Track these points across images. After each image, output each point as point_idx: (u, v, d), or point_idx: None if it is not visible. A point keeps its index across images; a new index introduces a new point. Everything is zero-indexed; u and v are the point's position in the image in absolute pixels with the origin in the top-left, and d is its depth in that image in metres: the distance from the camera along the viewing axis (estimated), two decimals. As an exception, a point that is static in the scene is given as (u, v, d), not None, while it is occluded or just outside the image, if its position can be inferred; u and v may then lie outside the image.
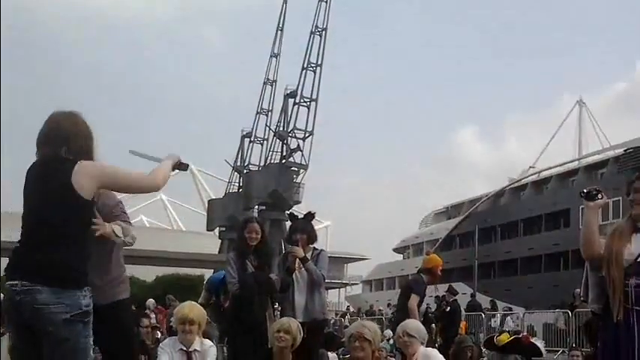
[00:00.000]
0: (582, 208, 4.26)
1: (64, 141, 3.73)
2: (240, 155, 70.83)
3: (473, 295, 24.75)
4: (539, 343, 9.11)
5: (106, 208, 4.09)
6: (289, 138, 63.52)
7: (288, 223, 7.80)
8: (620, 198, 23.92)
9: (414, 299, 8.64)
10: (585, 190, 4.22)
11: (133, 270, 37.27)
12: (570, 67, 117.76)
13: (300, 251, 6.87)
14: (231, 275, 6.79)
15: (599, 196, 4.17)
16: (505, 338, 8.75)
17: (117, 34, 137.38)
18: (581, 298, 18.20)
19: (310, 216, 7.29)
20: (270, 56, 68.08)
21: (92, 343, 3.79)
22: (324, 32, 62.41)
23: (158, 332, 11.16)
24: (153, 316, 18.57)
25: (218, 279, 8.57)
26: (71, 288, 3.61)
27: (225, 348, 6.37)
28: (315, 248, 7.12)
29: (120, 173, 3.81)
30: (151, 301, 19.36)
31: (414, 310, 8.51)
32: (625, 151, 45.30)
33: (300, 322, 6.28)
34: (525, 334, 11.51)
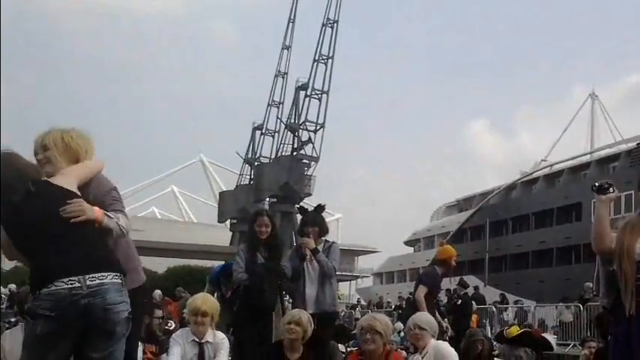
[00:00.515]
0: (594, 202, 4.24)
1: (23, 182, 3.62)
2: (251, 147, 70.99)
3: (476, 288, 24.68)
4: (551, 337, 9.10)
5: (97, 198, 3.86)
6: (300, 130, 63.55)
7: (299, 216, 7.81)
8: (633, 191, 24.05)
9: (421, 290, 8.61)
10: (597, 184, 4.19)
11: (144, 261, 37.58)
12: (583, 60, 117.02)
13: (311, 242, 6.91)
14: (238, 265, 6.80)
15: (611, 189, 4.15)
16: (515, 331, 8.75)
17: (125, 26, 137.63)
18: (593, 293, 18.31)
19: (320, 208, 7.31)
20: (282, 48, 68.17)
21: None
22: (335, 24, 62.38)
23: (172, 323, 11.21)
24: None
25: (216, 271, 8.59)
26: (123, 284, 3.58)
27: (230, 338, 6.39)
28: (326, 240, 7.15)
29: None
30: (157, 292, 19.41)
31: (420, 301, 8.48)
32: (637, 144, 45.07)
33: (310, 314, 6.30)
34: (537, 327, 11.53)
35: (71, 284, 3.35)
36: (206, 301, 5.96)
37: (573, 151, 58.92)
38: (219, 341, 5.86)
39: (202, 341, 5.77)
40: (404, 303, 26.42)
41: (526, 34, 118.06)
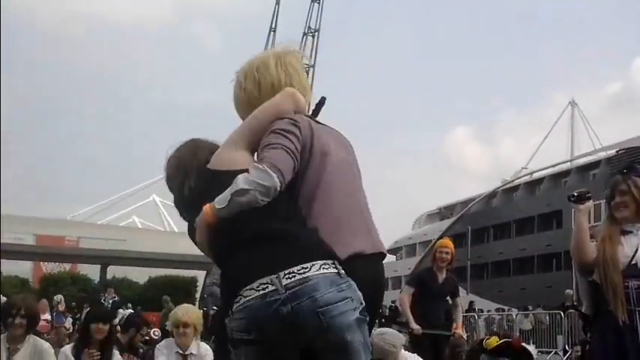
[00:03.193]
0: (574, 210, 4.24)
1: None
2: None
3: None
4: (531, 347, 9.11)
5: None
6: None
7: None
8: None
9: (404, 291, 8.53)
10: (575, 193, 4.15)
11: (125, 271, 37.30)
12: (563, 68, 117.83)
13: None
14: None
15: (588, 196, 4.12)
16: (494, 342, 8.73)
17: (106, 34, 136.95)
18: (574, 303, 18.40)
19: None
20: (263, 57, 68.10)
21: None
22: (316, 33, 62.52)
23: (158, 331, 11.21)
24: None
25: None
26: (341, 272, 2.48)
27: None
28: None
29: None
30: (59, 296, 19.05)
31: (401, 301, 8.42)
32: (617, 151, 45.44)
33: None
34: (517, 337, 11.53)
35: (263, 289, 2.39)
36: (187, 312, 5.95)
37: (554, 158, 59.39)
38: (204, 352, 5.85)
39: (186, 353, 5.76)
40: (386, 311, 26.43)
41: (506, 42, 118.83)
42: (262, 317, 2.37)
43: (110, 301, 17.50)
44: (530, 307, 25.20)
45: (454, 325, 8.36)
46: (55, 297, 19.37)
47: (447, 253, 8.32)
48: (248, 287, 2.40)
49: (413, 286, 8.37)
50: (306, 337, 2.40)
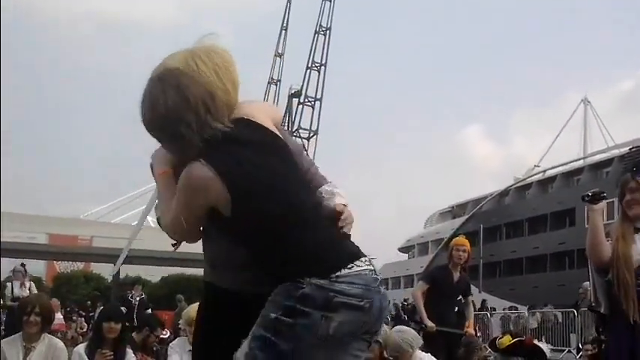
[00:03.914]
0: (587, 209, 4.20)
1: None
2: (244, 155, 70.79)
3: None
4: (544, 346, 9.08)
5: None
6: (294, 138, 63.49)
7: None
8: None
9: (417, 287, 8.52)
10: (589, 193, 4.12)
11: (139, 270, 37.47)
12: (576, 66, 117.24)
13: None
14: None
15: (603, 197, 4.09)
16: (507, 341, 8.70)
17: (117, 33, 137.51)
18: (592, 304, 18.29)
19: None
20: (275, 56, 68.17)
21: None
22: (328, 32, 62.49)
23: (167, 331, 11.22)
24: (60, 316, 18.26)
25: None
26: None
27: None
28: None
29: None
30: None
31: (414, 297, 8.43)
32: (630, 149, 45.22)
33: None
34: (529, 336, 11.51)
35: (369, 266, 2.33)
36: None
37: (566, 156, 59.18)
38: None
39: (199, 351, 5.77)
40: (400, 310, 26.46)
41: (519, 40, 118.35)
42: (374, 290, 2.28)
43: (137, 299, 17.16)
44: (538, 306, 25.16)
45: (466, 324, 8.35)
46: None
47: (463, 251, 8.21)
48: (360, 259, 2.31)
49: (427, 282, 8.32)
50: (378, 325, 2.37)
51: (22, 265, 15.69)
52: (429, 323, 7.84)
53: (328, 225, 2.41)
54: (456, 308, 8.67)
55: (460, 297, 8.54)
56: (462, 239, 8.54)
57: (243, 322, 2.35)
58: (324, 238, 2.34)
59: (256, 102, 2.57)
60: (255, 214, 2.27)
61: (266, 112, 2.49)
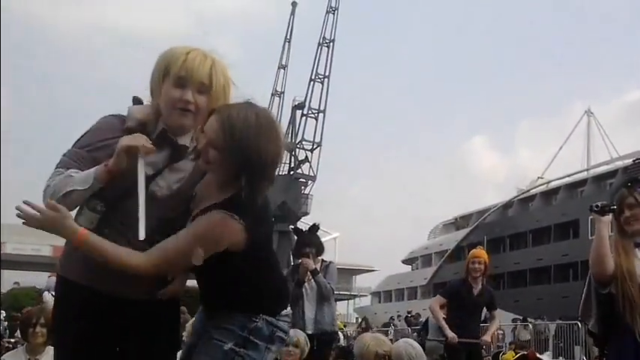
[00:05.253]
0: (591, 219, 4.14)
1: None
2: (248, 167, 70.68)
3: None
4: (545, 358, 9.08)
5: None
6: (297, 149, 63.59)
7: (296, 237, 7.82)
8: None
9: (434, 301, 8.48)
10: (599, 205, 4.07)
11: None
12: (580, 77, 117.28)
13: (311, 263, 6.95)
14: None
15: (613, 209, 4.07)
16: (510, 357, 8.72)
17: (125, 46, 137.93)
18: (579, 318, 18.24)
19: (315, 228, 7.35)
20: (278, 68, 68.35)
21: None
22: (331, 44, 62.65)
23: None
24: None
25: None
26: None
27: None
28: (323, 260, 7.19)
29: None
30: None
31: (432, 310, 8.37)
32: (634, 161, 45.17)
33: (309, 334, 6.32)
34: (532, 349, 11.48)
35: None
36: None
37: (570, 168, 59.08)
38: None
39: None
40: (404, 322, 26.35)
41: (524, 51, 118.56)
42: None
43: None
44: (529, 319, 25.10)
45: (486, 333, 8.36)
46: None
47: (480, 263, 8.14)
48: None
49: (444, 296, 8.29)
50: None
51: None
52: (451, 334, 7.76)
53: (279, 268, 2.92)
54: (480, 320, 8.55)
55: (484, 309, 8.47)
56: (478, 251, 8.47)
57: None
58: (282, 281, 2.91)
59: None
60: (253, 259, 2.65)
61: None
